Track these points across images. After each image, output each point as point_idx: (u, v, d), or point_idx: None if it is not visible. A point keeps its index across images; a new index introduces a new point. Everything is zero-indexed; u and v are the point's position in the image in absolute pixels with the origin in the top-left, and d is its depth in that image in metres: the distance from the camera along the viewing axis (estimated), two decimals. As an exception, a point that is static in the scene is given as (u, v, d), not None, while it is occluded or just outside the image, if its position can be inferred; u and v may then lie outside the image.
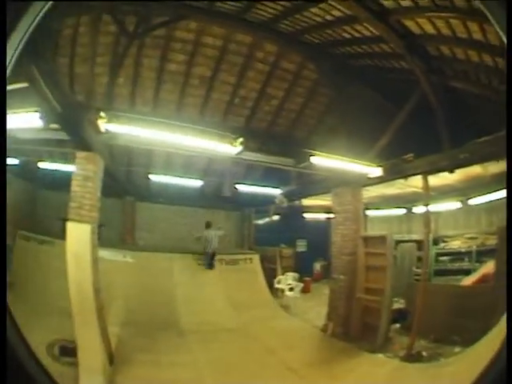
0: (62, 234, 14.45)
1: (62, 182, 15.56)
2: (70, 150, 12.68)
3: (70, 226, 7.38)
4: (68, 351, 7.74)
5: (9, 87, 5.40)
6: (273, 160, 9.12)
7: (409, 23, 6.77)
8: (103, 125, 6.57)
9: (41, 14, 1.74)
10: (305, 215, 19.10)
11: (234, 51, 10.07)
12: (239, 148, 7.35)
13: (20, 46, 1.70)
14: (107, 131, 6.84)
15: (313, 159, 8.06)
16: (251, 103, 11.38)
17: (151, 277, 11.63)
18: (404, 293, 10.60)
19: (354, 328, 9.76)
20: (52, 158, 13.68)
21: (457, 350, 7.48)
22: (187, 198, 16.03)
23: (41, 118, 5.93)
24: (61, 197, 16.53)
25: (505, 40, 1.73)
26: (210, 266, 12.71)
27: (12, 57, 1.68)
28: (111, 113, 6.71)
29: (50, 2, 1.73)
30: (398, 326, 9.88)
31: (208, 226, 13.20)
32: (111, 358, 7.42)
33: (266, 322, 11.12)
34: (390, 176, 9.09)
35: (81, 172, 7.48)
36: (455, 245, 12.93)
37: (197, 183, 14.53)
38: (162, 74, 10.45)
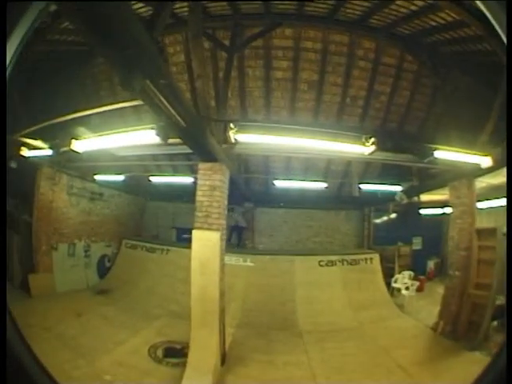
0: (171, 242, 15.59)
1: (170, 194, 16.96)
2: (180, 163, 13.63)
3: (196, 233, 7.79)
4: (173, 352, 8.28)
5: (121, 105, 5.82)
6: (395, 157, 9.01)
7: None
8: (233, 135, 6.86)
9: (41, 14, 1.74)
10: (421, 211, 18.41)
11: (335, 52, 9.98)
12: (372, 148, 7.29)
13: (20, 46, 1.70)
14: (236, 141, 7.14)
15: (436, 153, 7.81)
16: (362, 102, 11.21)
17: (271, 279, 11.95)
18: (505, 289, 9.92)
19: (462, 326, 9.50)
20: (161, 171, 14.88)
21: None
22: (307, 201, 16.21)
23: (157, 134, 6.33)
24: (168, 207, 17.83)
25: (505, 40, 1.65)
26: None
27: (12, 57, 1.68)
28: (240, 123, 6.96)
29: (50, 2, 1.82)
30: (496, 323, 9.23)
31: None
32: (223, 358, 7.65)
33: (381, 321, 11.02)
34: (498, 164, 8.38)
35: (206, 182, 7.86)
36: None
37: (319, 185, 14.41)
38: (269, 82, 10.68)
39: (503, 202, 14.58)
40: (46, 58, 10.53)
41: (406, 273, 14.50)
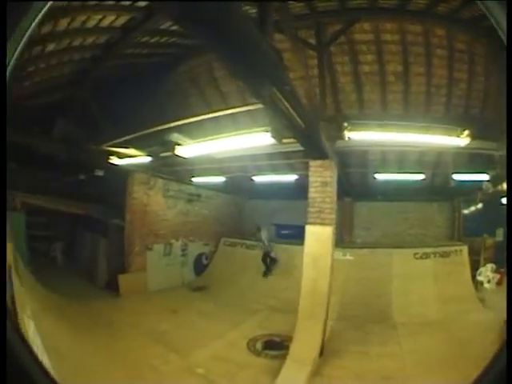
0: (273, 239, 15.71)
1: (269, 192, 17.22)
2: (280, 162, 13.84)
3: (309, 228, 8.05)
4: (273, 345, 8.44)
5: (239, 109, 6.05)
6: (482, 145, 8.91)
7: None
8: (347, 134, 7.00)
9: (41, 14, 1.70)
10: (503, 201, 17.88)
11: (412, 42, 9.82)
12: (467, 140, 7.28)
13: (20, 46, 1.66)
14: (349, 139, 7.26)
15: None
16: (444, 90, 11.03)
17: (369, 272, 12.07)
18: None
19: None
20: (260, 171, 15.13)
21: None
22: (403, 193, 16.11)
23: (273, 136, 6.53)
24: (267, 205, 18.16)
25: (505, 40, 1.64)
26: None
27: (12, 57, 1.65)
28: (351, 121, 7.07)
29: (50, 2, 1.69)
30: None
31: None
32: (321, 350, 7.72)
33: (467, 315, 10.81)
34: None
35: (318, 179, 8.09)
36: None
37: (417, 177, 14.30)
38: (357, 77, 10.70)
39: None
40: (123, 72, 10.96)
41: (489, 265, 14.09)
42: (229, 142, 7.63)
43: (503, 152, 9.03)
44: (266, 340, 8.86)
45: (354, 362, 7.70)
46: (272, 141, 6.76)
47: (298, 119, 5.62)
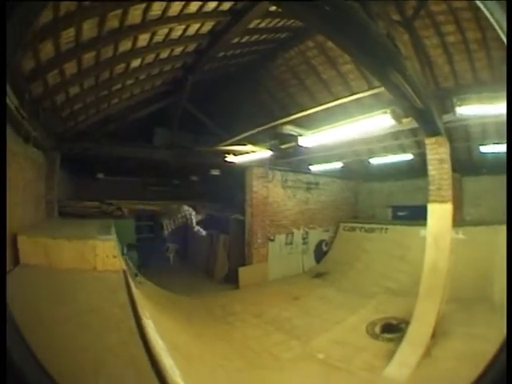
0: (388, 220, 16.23)
1: (383, 173, 17.28)
2: (391, 143, 13.81)
3: (431, 207, 8.03)
4: (390, 328, 8.50)
5: (367, 93, 6.26)
6: None
7: None
8: (458, 109, 6.88)
9: (41, 14, 1.82)
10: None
11: (477, 7, 9.33)
12: None
13: (20, 46, 1.79)
14: (460, 115, 7.14)
15: None
16: (497, 62, 10.35)
17: (477, 250, 11.69)
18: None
19: None
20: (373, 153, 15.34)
21: None
22: (505, 166, 15.22)
23: (393, 117, 6.70)
24: (382, 187, 18.22)
25: (505, 40, 1.67)
26: None
27: (12, 57, 1.72)
28: (460, 96, 6.99)
29: (50, 2, 1.77)
30: None
31: None
32: (433, 332, 7.68)
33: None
34: None
35: (435, 156, 8.07)
36: None
37: None
38: (446, 48, 10.45)
39: None
40: (218, 74, 11.59)
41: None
42: (349, 128, 7.76)
43: None
44: (384, 323, 8.92)
45: (458, 343, 7.60)
46: (392, 122, 6.87)
47: (417, 100, 5.85)
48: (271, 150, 10.89)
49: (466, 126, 13.20)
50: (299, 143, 8.96)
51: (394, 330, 8.48)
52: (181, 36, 7.79)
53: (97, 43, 6.18)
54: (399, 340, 7.46)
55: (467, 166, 15.21)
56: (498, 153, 13.65)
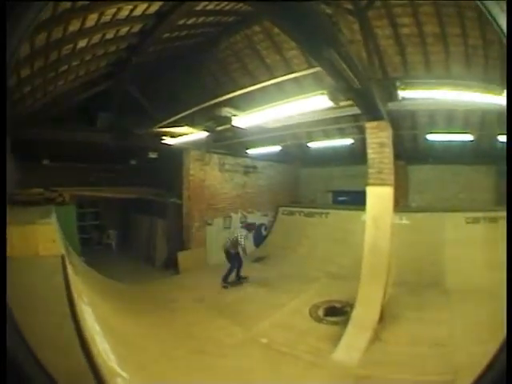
0: (328, 205, 16.43)
1: (323, 158, 17.37)
2: (332, 127, 13.86)
3: (370, 190, 8.11)
4: (334, 311, 8.64)
5: (289, 76, 6.31)
6: None
7: None
8: (400, 93, 6.95)
9: (41, 14, 1.74)
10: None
11: (444, 3, 9.51)
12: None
13: (20, 46, 1.70)
14: (403, 98, 7.19)
15: None
16: (481, 51, 10.80)
17: (422, 236, 12.05)
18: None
19: None
20: (312, 137, 15.20)
21: None
22: (452, 156, 15.81)
23: (330, 98, 6.64)
24: (322, 172, 18.47)
25: (505, 40, 1.68)
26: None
27: (12, 57, 1.68)
28: (404, 81, 7.09)
29: (50, 2, 1.78)
30: None
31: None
32: (381, 316, 7.81)
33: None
34: None
35: (376, 140, 8.13)
36: None
37: (465, 138, 13.93)
38: (399, 39, 10.61)
39: None
40: (162, 56, 11.20)
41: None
42: (286, 108, 7.67)
43: None
44: (327, 307, 9.05)
45: (409, 327, 7.84)
46: (330, 103, 6.83)
47: (355, 80, 5.78)
48: (207, 131, 10.70)
49: (414, 116, 13.61)
50: (233, 124, 8.92)
51: (338, 313, 8.63)
52: (127, 16, 7.51)
53: (50, 24, 5.90)
54: (344, 323, 7.58)
55: (414, 154, 15.74)
56: (442, 143, 14.25)
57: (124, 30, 8.18)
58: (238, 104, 9.30)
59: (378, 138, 8.09)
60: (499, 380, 1.70)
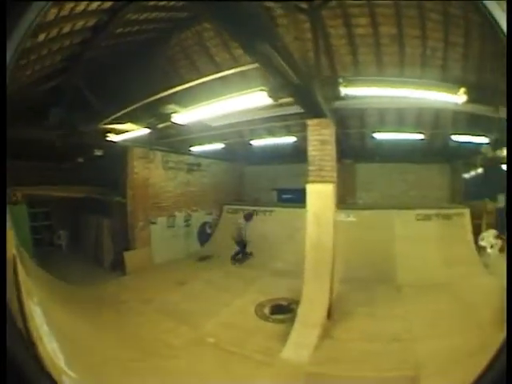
0: (273, 203, 16.41)
1: (268, 157, 17.39)
2: (278, 124, 13.74)
3: (310, 187, 8.07)
4: (280, 309, 8.61)
5: (233, 71, 6.16)
6: (478, 109, 9.18)
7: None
8: (343, 89, 6.90)
9: (41, 14, 1.75)
10: (503, 167, 17.89)
11: (406, 5, 9.64)
12: (463, 97, 7.21)
13: (20, 46, 1.69)
14: (346, 95, 7.18)
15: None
16: (441, 53, 10.97)
17: (371, 233, 12.11)
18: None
19: None
20: (257, 135, 15.27)
21: None
22: (401, 155, 16.09)
23: (269, 95, 6.54)
24: (267, 170, 18.39)
25: (505, 40, 1.69)
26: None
27: (12, 57, 1.67)
28: (347, 77, 7.08)
29: (50, 2, 1.79)
30: None
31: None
32: (329, 312, 7.82)
33: (470, 278, 10.92)
34: None
35: (317, 137, 8.08)
36: None
37: (416, 137, 14.09)
38: (352, 39, 10.61)
39: None
40: (115, 52, 10.95)
41: (492, 231, 13.91)
42: (226, 104, 7.60)
43: (501, 115, 9.06)
44: (273, 305, 9.00)
45: (361, 323, 7.85)
46: (269, 100, 6.74)
47: (293, 75, 5.66)
48: (149, 127, 10.53)
49: (363, 114, 13.69)
50: (173, 120, 8.82)
51: (284, 310, 8.59)
52: (84, 10, 7.35)
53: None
54: (291, 321, 7.52)
55: (362, 152, 15.98)
56: (390, 141, 14.39)
57: (79, 24, 8.00)
58: (182, 100, 9.12)
59: (320, 136, 8.07)
60: (499, 380, 1.69)
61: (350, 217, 12.53)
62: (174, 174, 14.73)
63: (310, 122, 8.17)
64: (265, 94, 6.53)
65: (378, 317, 8.13)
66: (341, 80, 6.83)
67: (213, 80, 9.04)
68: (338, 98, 7.44)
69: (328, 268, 7.81)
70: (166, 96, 9.11)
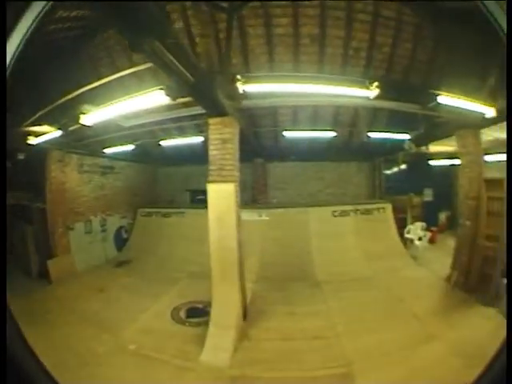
0: (187, 204, 16.31)
1: (180, 158, 17.10)
2: (187, 123, 13.42)
3: (211, 187, 7.91)
4: (196, 312, 8.58)
5: (132, 70, 5.96)
6: (401, 105, 9.29)
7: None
8: (241, 86, 6.78)
9: (41, 14, 1.74)
10: (430, 163, 18.46)
11: (333, 6, 9.78)
12: (376, 91, 7.21)
13: (20, 46, 1.70)
14: (244, 92, 7.04)
15: (440, 99, 7.81)
16: (364, 53, 11.12)
17: (286, 231, 12.17)
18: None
19: (473, 278, 9.60)
20: (168, 135, 14.86)
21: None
22: (318, 153, 16.29)
23: (167, 94, 6.40)
24: (180, 171, 18.25)
25: (505, 40, 1.70)
26: None
27: (12, 57, 1.69)
28: (247, 74, 6.98)
29: (50, 2, 1.74)
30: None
31: None
32: (245, 313, 7.83)
33: (396, 271, 11.20)
34: (502, 117, 8.52)
35: (218, 136, 7.96)
36: None
37: (328, 134, 14.11)
38: (271, 39, 10.54)
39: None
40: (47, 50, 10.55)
41: (419, 224, 14.55)
42: (126, 104, 7.36)
43: (426, 111, 9.36)
44: (189, 308, 8.97)
45: (280, 322, 7.84)
46: (167, 99, 6.59)
47: (187, 74, 5.53)
48: (60, 129, 10.15)
49: (275, 113, 13.71)
50: (82, 122, 8.47)
51: (200, 314, 8.51)
52: None
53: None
54: (207, 324, 7.43)
55: (275, 152, 15.93)
56: (304, 140, 14.67)
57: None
58: (94, 100, 8.70)
59: (221, 134, 7.97)
60: (499, 380, 1.69)
61: (262, 216, 12.55)
62: (89, 177, 14.30)
63: (211, 120, 8.04)
64: (163, 92, 6.38)
65: (298, 315, 8.16)
66: (239, 76, 6.74)
67: (126, 79, 8.86)
68: (234, 90, 7.27)
69: (235, 269, 7.74)
70: (79, 96, 8.89)
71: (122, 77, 8.87)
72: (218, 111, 7.68)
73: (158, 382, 6.00)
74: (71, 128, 9.74)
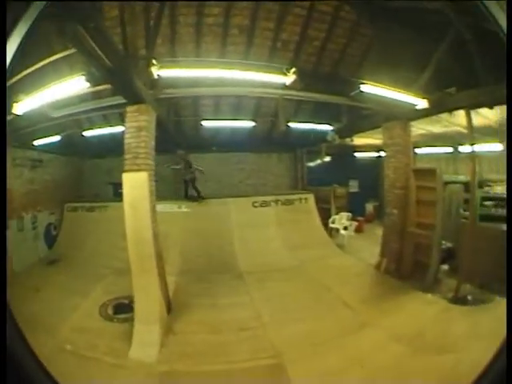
0: (111, 197, 15.69)
1: (104, 149, 16.54)
2: (110, 111, 12.94)
3: (126, 176, 7.64)
4: (123, 308, 8.39)
5: (56, 56, 5.77)
6: (324, 96, 9.49)
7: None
8: (156, 71, 6.77)
9: (41, 14, 1.77)
10: (356, 155, 19.16)
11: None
12: (293, 77, 7.34)
13: (20, 46, 1.71)
14: (159, 77, 7.04)
15: (363, 87, 7.93)
16: (294, 46, 11.34)
17: (207, 223, 12.12)
18: (452, 235, 10.28)
19: (406, 265, 9.90)
20: (93, 124, 14.70)
21: (498, 298, 7.39)
22: (239, 144, 16.44)
23: (87, 80, 6.31)
24: (104, 163, 17.67)
25: (505, 40, 1.74)
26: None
27: (12, 57, 1.69)
28: (162, 60, 6.92)
29: (50, 2, 1.79)
30: (446, 267, 9.83)
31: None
32: (169, 307, 7.77)
33: (322, 260, 11.35)
34: (434, 109, 8.96)
35: (133, 124, 7.70)
36: (498, 190, 12.02)
37: (248, 124, 14.53)
38: (200, 28, 10.56)
39: (445, 149, 16.36)
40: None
41: (344, 214, 14.96)
42: (50, 92, 7.11)
43: (352, 102, 9.76)
44: (115, 304, 8.75)
45: (205, 315, 7.81)
46: (86, 85, 6.47)
47: (105, 58, 5.42)
48: None
49: (197, 104, 13.92)
50: (14, 111, 7.98)
51: (127, 309, 8.26)
52: None
53: None
54: (133, 319, 7.28)
55: (197, 142, 15.91)
56: (224, 131, 15.17)
57: None
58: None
59: (136, 122, 7.70)
60: (499, 380, 1.71)
61: (182, 208, 12.57)
62: (20, 171, 13.35)
63: (128, 108, 7.76)
64: (83, 78, 6.26)
65: (221, 307, 8.17)
66: (154, 61, 6.69)
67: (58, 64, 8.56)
68: (149, 75, 7.24)
69: (152, 261, 7.51)
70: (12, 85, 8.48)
71: (54, 62, 8.45)
72: (136, 99, 7.49)
73: (96, 381, 5.84)
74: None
